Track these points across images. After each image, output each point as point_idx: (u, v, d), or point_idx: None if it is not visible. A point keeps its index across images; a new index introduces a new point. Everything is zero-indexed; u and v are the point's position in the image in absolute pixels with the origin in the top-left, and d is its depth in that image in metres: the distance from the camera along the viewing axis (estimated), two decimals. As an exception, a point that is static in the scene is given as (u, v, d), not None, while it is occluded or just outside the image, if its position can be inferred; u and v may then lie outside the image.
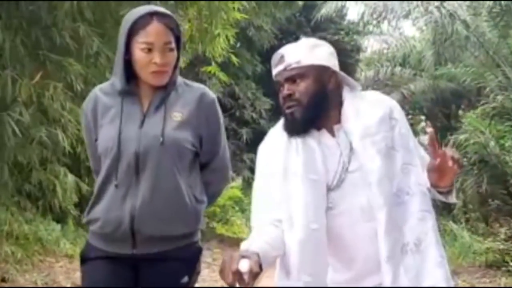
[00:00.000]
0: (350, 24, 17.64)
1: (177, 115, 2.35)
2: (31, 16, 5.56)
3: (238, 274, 1.75)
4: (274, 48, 15.44)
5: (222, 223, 16.68)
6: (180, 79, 2.45)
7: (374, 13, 12.67)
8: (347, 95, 2.10)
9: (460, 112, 15.18)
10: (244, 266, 1.75)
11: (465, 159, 9.93)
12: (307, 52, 2.08)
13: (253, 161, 15.88)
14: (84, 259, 2.44)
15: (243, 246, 1.89)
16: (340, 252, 2.07)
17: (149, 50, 2.29)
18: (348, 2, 13.82)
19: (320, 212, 1.99)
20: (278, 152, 2.08)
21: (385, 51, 15.87)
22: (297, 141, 2.06)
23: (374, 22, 13.32)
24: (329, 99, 2.07)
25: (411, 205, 1.99)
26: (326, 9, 13.41)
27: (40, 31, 5.52)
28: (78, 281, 6.39)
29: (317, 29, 15.80)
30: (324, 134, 2.07)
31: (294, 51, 2.09)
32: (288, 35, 15.68)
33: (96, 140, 2.41)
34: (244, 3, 8.25)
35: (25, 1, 5.50)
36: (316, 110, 2.05)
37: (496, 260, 8.71)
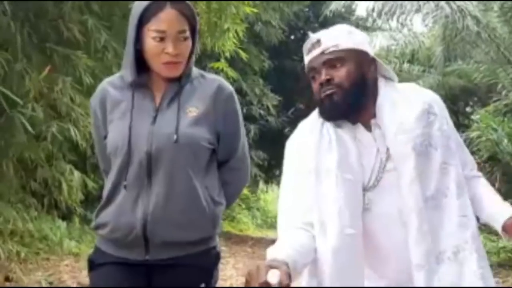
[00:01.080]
0: (359, 20, 17.50)
1: (192, 110, 2.16)
2: (37, 9, 5.44)
3: (266, 286, 1.57)
4: (281, 44, 15.31)
5: (229, 221, 16.59)
6: (195, 71, 2.26)
7: (383, 9, 12.53)
8: (382, 87, 1.93)
9: (468, 109, 15.04)
10: (273, 278, 1.57)
11: (477, 157, 9.82)
12: (345, 36, 1.91)
13: (260, 158, 15.82)
14: (93, 265, 2.27)
15: (270, 253, 1.70)
16: (374, 258, 1.90)
17: (161, 39, 2.10)
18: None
19: (356, 216, 1.82)
20: (309, 148, 1.90)
21: (393, 47, 15.70)
22: (330, 136, 1.89)
23: (383, 17, 13.16)
24: (368, 88, 1.90)
25: (449, 209, 1.82)
26: (335, 5, 13.28)
27: (47, 23, 5.41)
28: (84, 280, 6.28)
29: (326, 25, 15.54)
30: (359, 129, 1.90)
31: (331, 35, 1.92)
32: (296, 31, 15.56)
33: (105, 137, 2.23)
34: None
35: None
36: (357, 96, 1.88)
37: (509, 259, 8.60)
